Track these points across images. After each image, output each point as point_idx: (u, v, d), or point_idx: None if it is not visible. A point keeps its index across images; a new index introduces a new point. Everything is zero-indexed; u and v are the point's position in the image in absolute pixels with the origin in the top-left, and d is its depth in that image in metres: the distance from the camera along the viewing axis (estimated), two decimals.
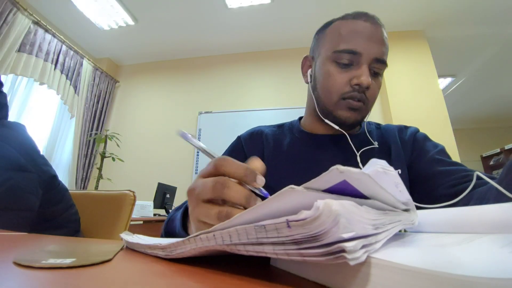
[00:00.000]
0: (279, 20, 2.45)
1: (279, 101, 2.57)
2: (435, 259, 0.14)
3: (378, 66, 0.50)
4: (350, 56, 0.49)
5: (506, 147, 3.55)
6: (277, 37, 2.65)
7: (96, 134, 2.62)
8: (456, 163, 0.48)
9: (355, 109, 0.49)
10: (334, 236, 0.12)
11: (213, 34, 2.65)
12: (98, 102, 2.76)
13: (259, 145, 0.59)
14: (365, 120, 0.55)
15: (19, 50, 2.03)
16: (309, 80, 0.58)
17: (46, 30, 2.25)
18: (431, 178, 0.47)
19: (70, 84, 2.50)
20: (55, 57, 2.34)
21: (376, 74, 0.51)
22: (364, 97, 0.49)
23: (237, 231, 0.16)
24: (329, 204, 0.12)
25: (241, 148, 0.59)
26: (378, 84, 0.52)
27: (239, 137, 0.62)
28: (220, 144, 0.61)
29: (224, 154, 0.58)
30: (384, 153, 0.52)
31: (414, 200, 0.28)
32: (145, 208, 1.84)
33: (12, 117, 2.07)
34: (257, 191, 0.26)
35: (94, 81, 2.75)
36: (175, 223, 0.35)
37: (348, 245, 0.12)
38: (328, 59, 0.52)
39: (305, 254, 0.13)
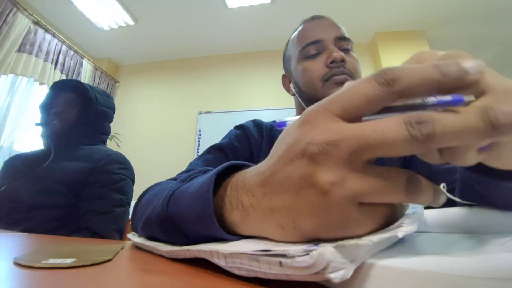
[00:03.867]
0: (279, 20, 2.44)
1: (279, 101, 2.57)
2: (433, 259, 0.14)
3: (343, 43, 0.54)
4: (315, 46, 0.53)
5: None
6: (277, 37, 2.64)
7: None
8: None
9: (342, 83, 0.50)
10: (323, 275, 0.13)
11: (213, 34, 2.65)
12: None
13: (261, 137, 0.59)
14: None
15: (19, 50, 2.03)
16: (294, 91, 0.61)
17: (46, 30, 2.25)
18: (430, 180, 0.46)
19: None
20: (55, 57, 2.34)
21: (346, 51, 0.54)
22: (345, 70, 0.51)
23: (232, 256, 0.17)
24: (323, 253, 0.13)
25: (246, 137, 0.58)
26: (353, 58, 0.54)
27: (241, 126, 0.61)
28: None
29: (226, 142, 0.56)
30: None
31: None
32: None
33: (12, 117, 2.07)
34: None
35: (94, 81, 2.74)
36: (198, 206, 0.20)
37: (333, 276, 0.12)
38: (298, 60, 0.56)
39: (291, 277, 0.14)
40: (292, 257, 0.14)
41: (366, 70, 3.04)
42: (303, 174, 0.14)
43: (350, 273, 0.13)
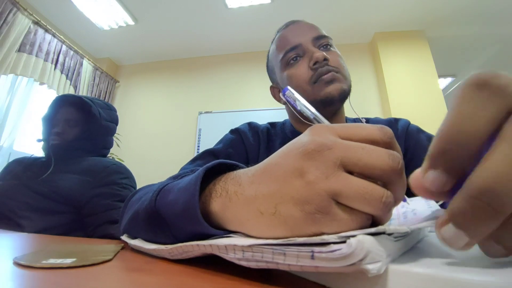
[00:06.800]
0: (279, 20, 2.43)
1: None
2: (431, 260, 0.14)
3: (322, 41, 0.54)
4: (295, 51, 0.53)
5: None
6: None
7: None
8: None
9: (331, 81, 0.50)
10: (358, 266, 0.12)
11: (213, 34, 2.65)
12: None
13: (257, 141, 0.58)
14: (349, 95, 0.54)
15: (19, 50, 2.03)
16: (285, 100, 0.60)
17: (46, 30, 2.25)
18: None
19: (70, 84, 2.50)
20: (55, 57, 2.33)
21: (326, 48, 0.54)
22: (330, 68, 0.50)
23: (252, 249, 0.16)
24: (362, 241, 0.12)
25: (241, 142, 0.58)
26: (335, 54, 0.54)
27: (237, 130, 0.60)
28: None
29: (221, 147, 0.56)
30: None
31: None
32: None
33: (12, 117, 2.07)
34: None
35: (94, 81, 2.74)
36: (184, 199, 0.21)
37: (371, 267, 0.12)
38: (282, 68, 0.56)
39: (320, 269, 0.13)
40: (327, 244, 0.13)
41: (366, 70, 3.00)
42: (296, 166, 0.16)
43: (384, 267, 0.12)
